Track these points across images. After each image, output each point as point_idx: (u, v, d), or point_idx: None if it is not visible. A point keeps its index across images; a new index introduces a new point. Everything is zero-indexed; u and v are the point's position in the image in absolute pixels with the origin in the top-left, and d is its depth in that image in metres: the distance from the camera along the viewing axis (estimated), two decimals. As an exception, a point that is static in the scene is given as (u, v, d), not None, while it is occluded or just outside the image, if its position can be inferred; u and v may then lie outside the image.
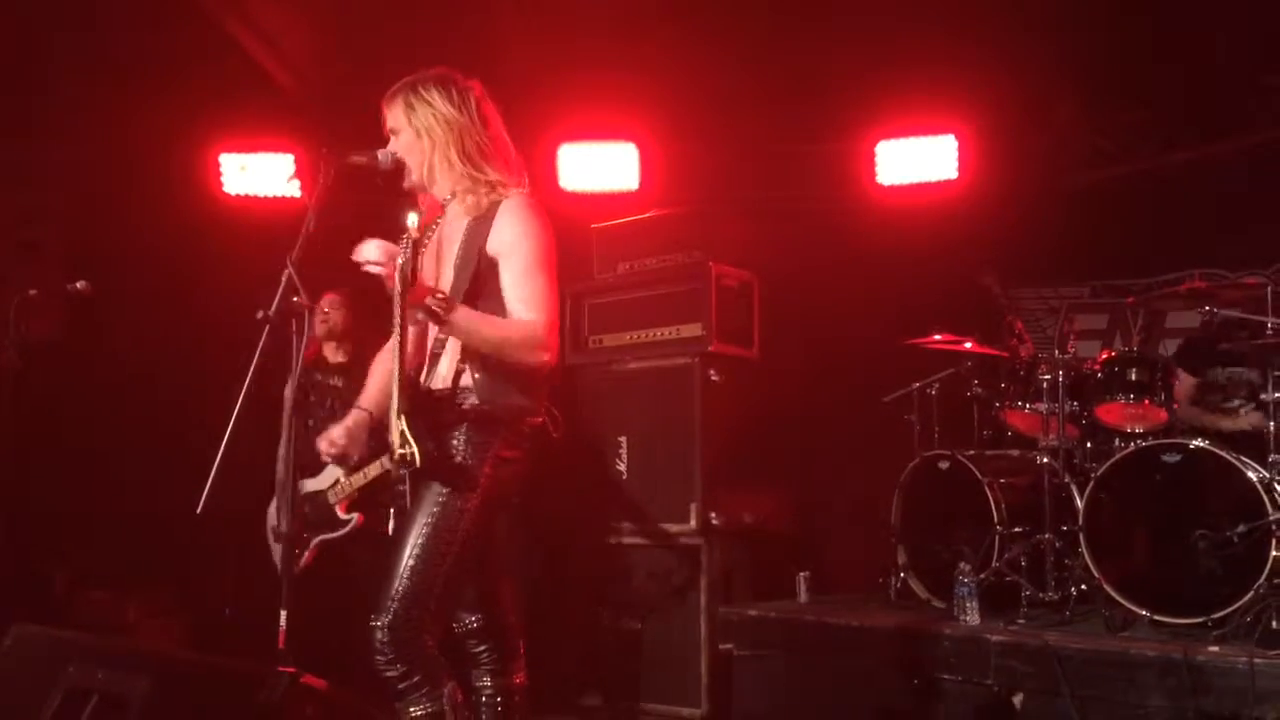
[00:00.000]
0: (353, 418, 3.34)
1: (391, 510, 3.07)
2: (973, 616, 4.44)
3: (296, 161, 6.36)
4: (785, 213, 6.15)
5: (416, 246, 2.90)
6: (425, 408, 3.05)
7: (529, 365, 3.07)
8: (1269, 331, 4.41)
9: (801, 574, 5.28)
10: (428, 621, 2.98)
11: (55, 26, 5.72)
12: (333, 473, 5.09)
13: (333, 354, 5.61)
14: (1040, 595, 4.53)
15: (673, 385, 5.37)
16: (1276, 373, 4.36)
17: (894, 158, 6.18)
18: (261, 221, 6.22)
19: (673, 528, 5.28)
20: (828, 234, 6.20)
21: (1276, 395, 4.35)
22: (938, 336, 5.10)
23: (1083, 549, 4.43)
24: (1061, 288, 6.35)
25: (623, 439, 5.48)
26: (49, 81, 5.94)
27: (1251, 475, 4.11)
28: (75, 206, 6.45)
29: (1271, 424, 4.35)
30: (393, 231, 2.91)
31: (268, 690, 2.93)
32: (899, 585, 5.12)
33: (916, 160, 6.14)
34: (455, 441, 3.05)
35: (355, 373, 5.35)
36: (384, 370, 3.31)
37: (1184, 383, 4.81)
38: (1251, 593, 3.97)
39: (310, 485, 5.08)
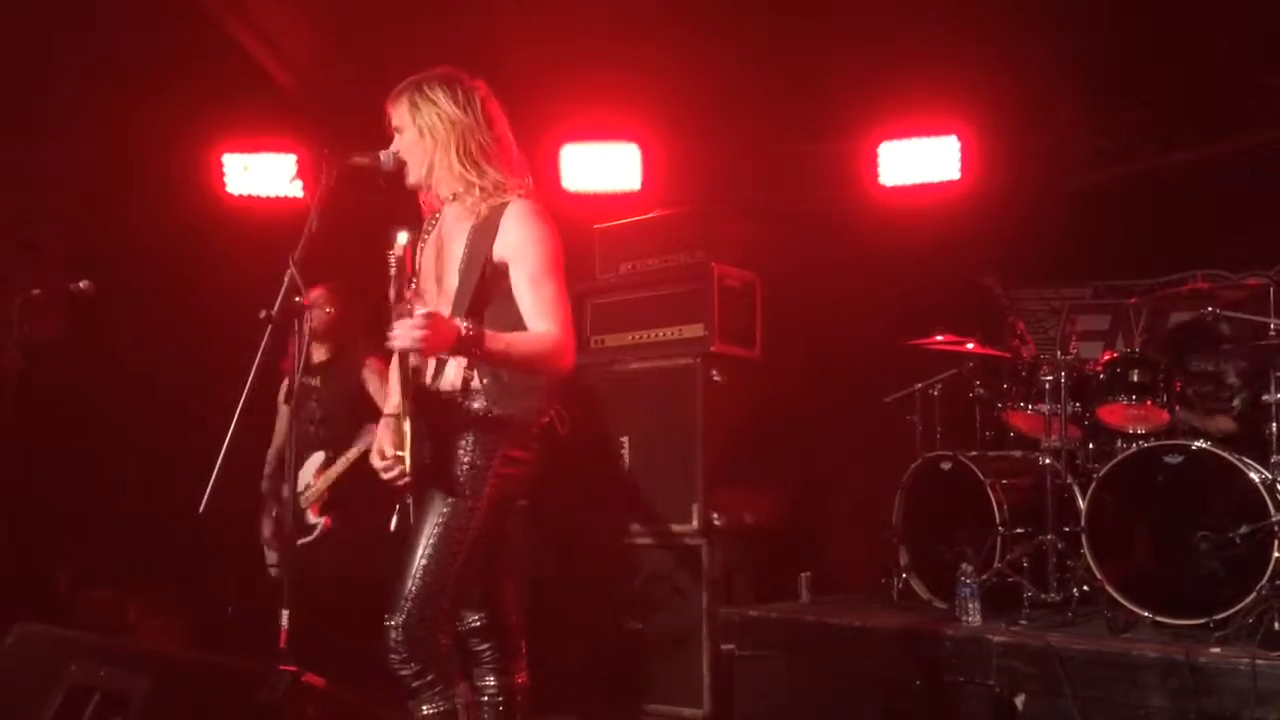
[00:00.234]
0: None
1: (395, 509, 3.07)
2: (975, 617, 4.44)
3: (299, 162, 6.37)
4: (788, 213, 6.15)
5: (402, 265, 2.85)
6: (433, 408, 3.05)
7: (559, 375, 3.04)
8: (1271, 332, 4.41)
9: (803, 574, 5.28)
10: (442, 620, 2.99)
11: (55, 26, 5.72)
12: (304, 477, 5.08)
13: (314, 353, 5.37)
14: (1042, 596, 4.53)
15: (675, 385, 5.36)
16: (1278, 373, 4.36)
17: (897, 158, 6.19)
18: (264, 221, 6.23)
19: (674, 528, 5.27)
20: (830, 234, 6.20)
21: (1278, 396, 4.34)
22: (940, 337, 5.10)
23: (1085, 550, 4.43)
24: (1063, 288, 6.34)
25: (624, 439, 5.47)
26: (49, 81, 5.94)
27: (1254, 476, 4.11)
28: (76, 206, 6.46)
29: (1274, 424, 4.35)
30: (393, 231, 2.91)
31: (268, 689, 2.94)
32: (901, 586, 5.12)
33: (919, 161, 6.14)
34: (464, 443, 3.03)
35: (334, 372, 5.29)
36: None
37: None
38: (1254, 594, 3.97)
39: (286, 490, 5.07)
